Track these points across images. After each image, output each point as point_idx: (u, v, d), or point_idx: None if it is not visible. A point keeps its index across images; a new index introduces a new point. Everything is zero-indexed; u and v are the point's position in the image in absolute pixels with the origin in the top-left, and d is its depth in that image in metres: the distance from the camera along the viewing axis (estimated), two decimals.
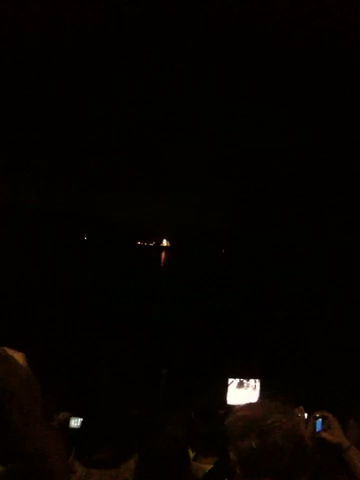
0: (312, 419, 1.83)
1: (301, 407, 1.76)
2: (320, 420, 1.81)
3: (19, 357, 1.07)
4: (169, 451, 1.51)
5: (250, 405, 1.35)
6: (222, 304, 20.65)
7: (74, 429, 3.69)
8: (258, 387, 4.45)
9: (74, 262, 34.93)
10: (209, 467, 2.32)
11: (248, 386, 4.46)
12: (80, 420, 3.78)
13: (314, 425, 1.79)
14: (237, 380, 4.41)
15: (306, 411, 3.82)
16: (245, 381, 4.45)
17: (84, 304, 16.97)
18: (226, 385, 4.37)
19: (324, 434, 1.75)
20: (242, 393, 4.40)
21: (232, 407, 4.16)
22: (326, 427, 1.77)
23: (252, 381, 4.46)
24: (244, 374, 4.59)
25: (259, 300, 22.85)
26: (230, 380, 4.40)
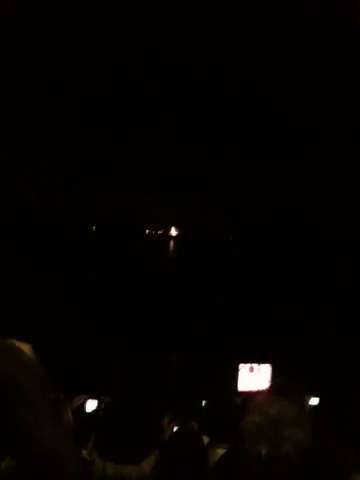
0: None
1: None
2: None
3: (27, 349, 1.04)
4: (187, 444, 1.54)
5: (260, 407, 1.35)
6: (225, 296, 20.67)
7: (90, 413, 3.72)
8: (269, 372, 4.46)
9: (75, 259, 34.98)
10: (223, 451, 2.36)
11: (259, 370, 4.47)
12: (95, 405, 3.81)
13: None
14: (248, 365, 4.43)
15: (317, 395, 3.84)
16: (256, 366, 4.46)
17: (84, 302, 17.02)
18: (237, 370, 4.39)
19: None
20: (253, 378, 4.42)
21: (245, 394, 4.20)
22: None
23: (263, 366, 4.47)
24: (255, 359, 4.60)
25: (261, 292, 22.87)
26: (241, 365, 4.42)
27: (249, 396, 3.51)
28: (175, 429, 2.57)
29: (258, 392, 1.56)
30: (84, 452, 1.65)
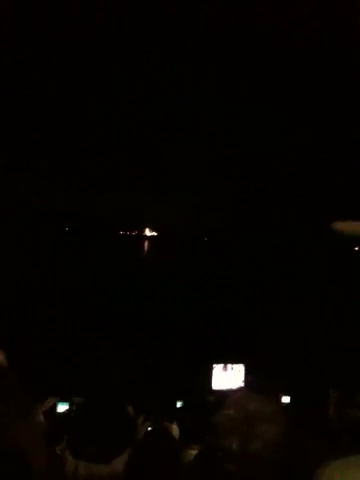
0: None
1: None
2: None
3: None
4: (160, 444, 1.53)
5: (238, 402, 1.36)
6: (215, 298, 20.82)
7: (61, 414, 3.74)
8: (242, 371, 4.51)
9: (65, 260, 34.76)
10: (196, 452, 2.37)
11: (232, 370, 4.51)
12: (66, 406, 3.83)
13: None
14: (221, 364, 4.47)
15: (289, 394, 3.91)
16: (229, 365, 4.51)
17: (77, 302, 16.91)
18: (210, 370, 4.42)
19: None
20: (226, 377, 4.46)
21: (219, 392, 4.23)
22: None
23: (236, 365, 4.52)
24: (229, 359, 4.64)
25: (254, 293, 23.12)
26: (214, 365, 4.46)
27: (223, 395, 3.55)
28: (149, 429, 2.57)
29: (234, 390, 1.56)
30: (58, 451, 1.64)
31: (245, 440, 1.22)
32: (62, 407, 3.85)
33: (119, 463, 1.26)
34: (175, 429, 2.71)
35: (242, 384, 4.35)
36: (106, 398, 1.43)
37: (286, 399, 3.76)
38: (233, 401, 1.34)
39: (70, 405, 3.85)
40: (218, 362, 4.50)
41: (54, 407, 3.77)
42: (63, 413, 3.77)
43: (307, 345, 10.59)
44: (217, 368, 4.47)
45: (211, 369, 4.45)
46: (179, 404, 3.97)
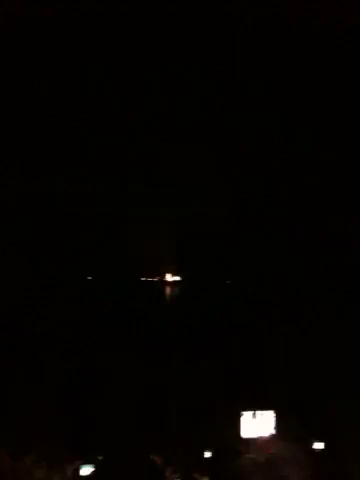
0: None
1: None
2: None
3: None
4: None
5: (260, 446, 1.35)
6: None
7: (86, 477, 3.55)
8: (272, 418, 4.35)
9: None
10: None
11: (262, 416, 4.36)
12: (90, 468, 3.63)
13: None
14: (250, 412, 4.33)
15: (322, 441, 3.75)
16: (258, 412, 4.36)
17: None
18: (239, 417, 4.28)
19: None
20: (256, 424, 4.30)
21: (249, 441, 4.08)
22: None
23: (266, 412, 4.37)
24: (258, 406, 4.50)
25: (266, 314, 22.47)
26: (243, 412, 4.32)
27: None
28: None
29: (262, 436, 1.53)
30: None
31: None
32: (86, 470, 3.60)
33: None
34: None
35: (273, 431, 4.18)
36: (131, 452, 1.41)
37: (319, 445, 3.59)
38: (256, 446, 1.32)
39: (95, 467, 3.63)
40: (247, 409, 4.36)
41: (77, 471, 3.61)
42: (89, 476, 3.56)
43: (341, 390, 10.11)
44: (246, 415, 4.33)
45: (240, 416, 4.31)
46: (208, 454, 3.83)
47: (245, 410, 4.32)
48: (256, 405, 4.48)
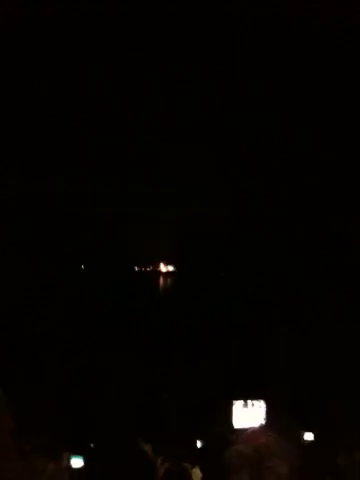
0: None
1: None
2: None
3: None
4: None
5: (248, 437, 1.34)
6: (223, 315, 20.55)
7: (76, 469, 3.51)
8: (264, 408, 4.37)
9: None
10: None
11: (253, 406, 4.37)
12: (80, 460, 3.58)
13: None
14: (241, 401, 4.33)
15: (313, 432, 3.77)
16: (250, 401, 4.37)
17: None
18: (231, 407, 4.29)
19: None
20: (248, 414, 4.31)
21: (238, 432, 4.09)
22: None
23: (257, 401, 4.38)
24: (249, 395, 4.50)
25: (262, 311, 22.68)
26: (234, 401, 4.32)
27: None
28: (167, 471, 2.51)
29: (250, 427, 1.53)
30: None
31: (257, 474, 1.19)
32: (76, 461, 3.47)
33: None
34: (197, 473, 2.64)
35: (263, 422, 4.20)
36: (121, 441, 1.41)
37: (309, 436, 3.62)
38: (244, 437, 1.32)
39: (85, 459, 3.58)
40: (238, 398, 4.36)
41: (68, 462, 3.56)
42: (79, 468, 3.52)
43: (332, 381, 10.20)
44: (237, 405, 4.33)
45: (231, 406, 4.31)
46: (199, 444, 3.85)
47: (236, 399, 4.33)
48: (248, 394, 4.49)
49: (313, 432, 3.62)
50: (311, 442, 3.47)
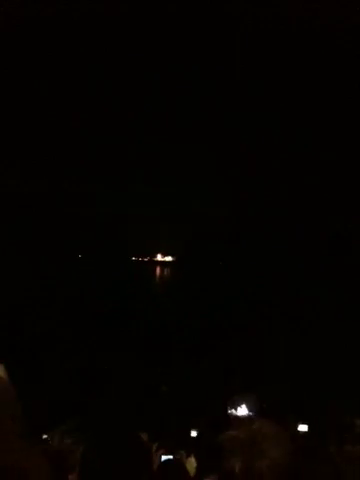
0: None
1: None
2: None
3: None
4: (174, 474, 1.51)
5: (243, 424, 1.35)
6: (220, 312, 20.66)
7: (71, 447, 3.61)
8: (258, 399, 4.40)
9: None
10: None
11: (249, 397, 4.41)
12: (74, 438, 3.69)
13: None
14: (237, 392, 4.37)
15: (307, 420, 3.81)
16: (245, 392, 4.40)
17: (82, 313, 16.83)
18: (226, 397, 4.33)
19: None
20: (243, 404, 4.35)
21: (232, 419, 4.14)
22: None
23: (252, 393, 4.42)
24: (243, 385, 4.55)
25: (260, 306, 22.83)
26: (229, 392, 4.36)
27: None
28: (163, 458, 2.53)
29: (244, 415, 1.55)
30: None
31: (249, 459, 1.19)
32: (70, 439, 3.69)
33: None
34: (192, 462, 2.66)
35: (258, 411, 4.24)
36: (118, 426, 1.42)
37: (304, 428, 3.65)
38: (237, 423, 1.33)
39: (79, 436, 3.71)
40: (234, 390, 4.40)
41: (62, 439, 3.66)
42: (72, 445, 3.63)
43: (329, 377, 10.25)
44: (233, 396, 4.37)
45: (226, 396, 4.35)
46: (194, 433, 3.89)
47: (233, 391, 4.37)
48: (244, 386, 4.53)
49: (307, 424, 3.67)
50: (305, 433, 3.51)
